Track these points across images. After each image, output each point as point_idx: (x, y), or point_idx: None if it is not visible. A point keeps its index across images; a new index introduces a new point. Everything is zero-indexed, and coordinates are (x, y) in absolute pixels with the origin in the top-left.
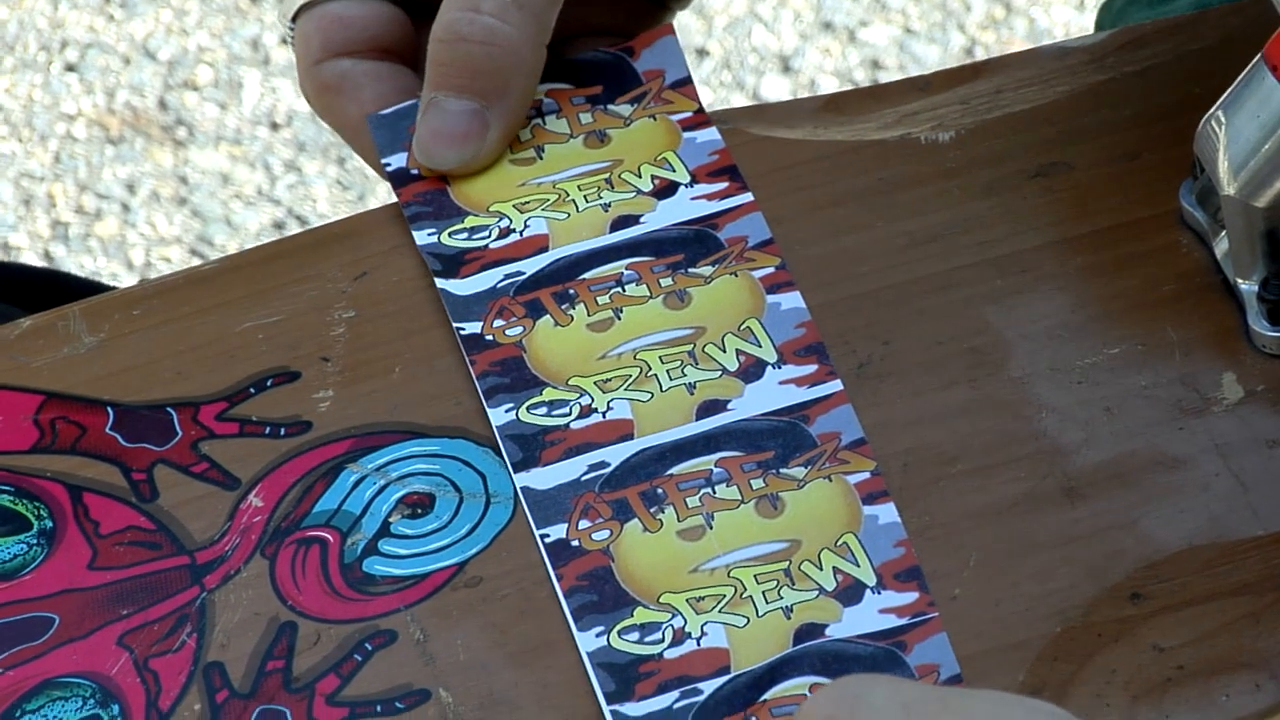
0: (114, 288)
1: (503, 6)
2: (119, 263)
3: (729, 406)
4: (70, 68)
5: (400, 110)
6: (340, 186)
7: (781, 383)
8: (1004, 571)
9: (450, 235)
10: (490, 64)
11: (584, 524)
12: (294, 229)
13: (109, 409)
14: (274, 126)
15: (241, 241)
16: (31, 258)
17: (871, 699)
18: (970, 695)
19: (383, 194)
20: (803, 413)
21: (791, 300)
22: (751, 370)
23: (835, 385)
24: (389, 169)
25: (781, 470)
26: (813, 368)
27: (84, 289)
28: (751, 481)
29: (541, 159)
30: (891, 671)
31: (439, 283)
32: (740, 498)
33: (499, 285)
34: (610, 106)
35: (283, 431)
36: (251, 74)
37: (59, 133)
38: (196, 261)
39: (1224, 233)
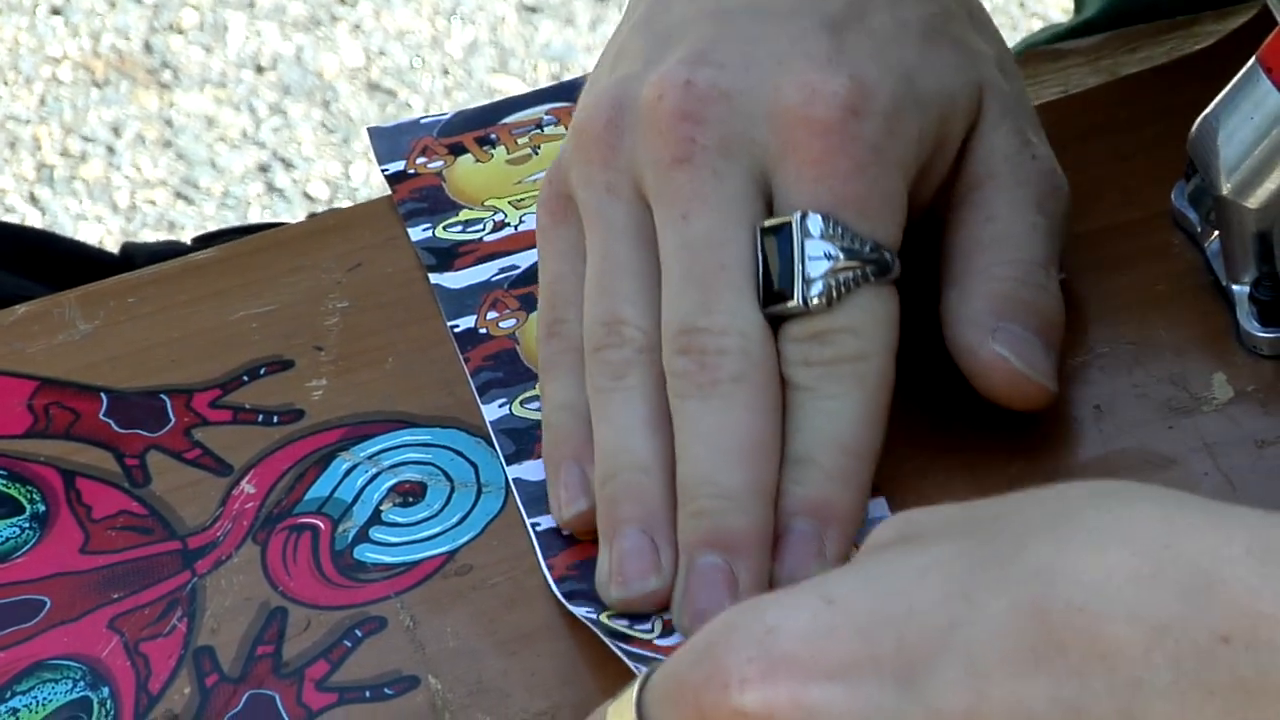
0: (102, 249)
1: None
2: (104, 205)
3: None
4: (56, 11)
5: (400, 125)
6: (325, 129)
7: None
8: None
9: (445, 229)
10: None
11: None
12: (279, 172)
13: (102, 395)
14: (259, 69)
15: (226, 184)
16: (17, 200)
17: (933, 513)
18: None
19: (366, 139)
20: None
21: None
22: None
23: None
24: (386, 173)
25: None
26: None
27: (73, 250)
28: None
29: (537, 156)
30: None
31: (433, 278)
32: None
33: (493, 279)
34: None
35: (276, 419)
36: (236, 17)
37: (44, 76)
38: (181, 204)
39: (1216, 234)
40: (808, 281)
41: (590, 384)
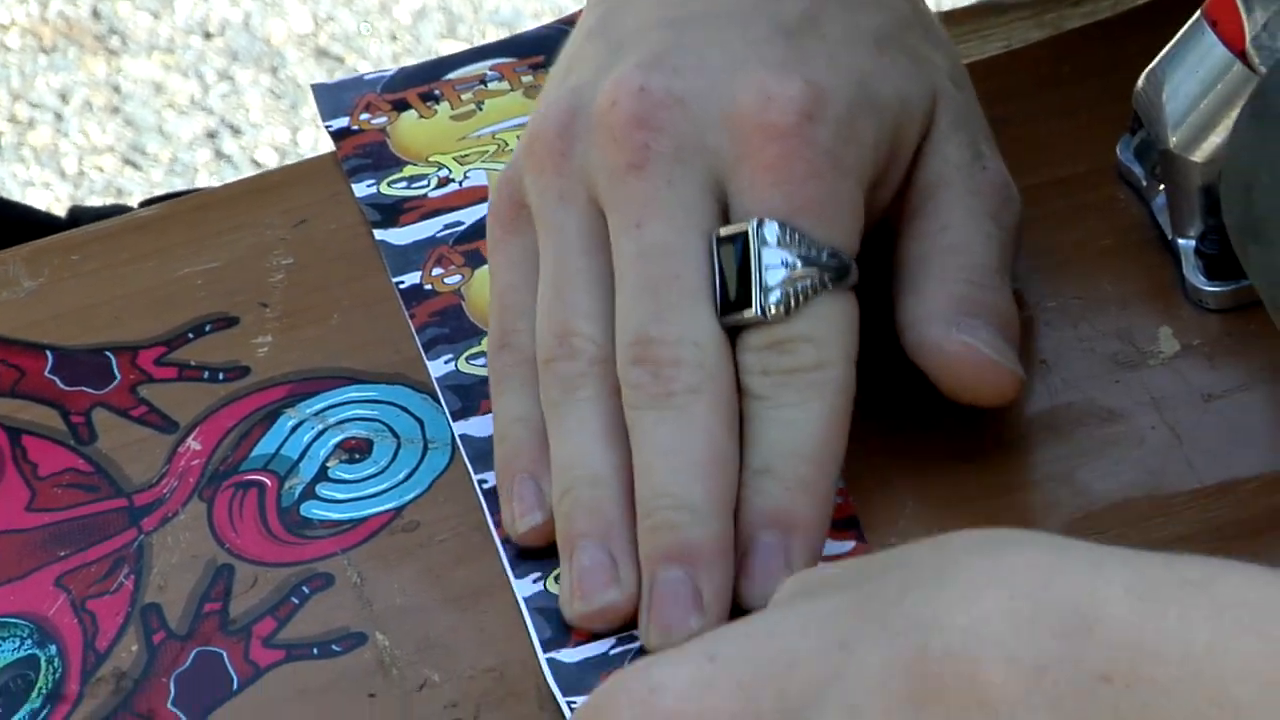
0: (50, 213)
1: None
2: (52, 171)
3: None
4: None
5: (344, 82)
6: (273, 96)
7: None
8: (939, 520)
9: (389, 185)
10: None
11: None
12: (226, 138)
13: (48, 352)
14: (207, 35)
15: (174, 151)
16: None
17: (827, 569)
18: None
19: (314, 105)
20: None
21: None
22: None
23: None
24: (330, 129)
25: None
26: None
27: (22, 215)
28: None
29: (481, 111)
30: None
31: (377, 234)
32: None
33: (438, 234)
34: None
35: (221, 376)
36: None
37: None
38: (129, 171)
39: (1162, 188)
40: (765, 290)
41: (544, 397)
